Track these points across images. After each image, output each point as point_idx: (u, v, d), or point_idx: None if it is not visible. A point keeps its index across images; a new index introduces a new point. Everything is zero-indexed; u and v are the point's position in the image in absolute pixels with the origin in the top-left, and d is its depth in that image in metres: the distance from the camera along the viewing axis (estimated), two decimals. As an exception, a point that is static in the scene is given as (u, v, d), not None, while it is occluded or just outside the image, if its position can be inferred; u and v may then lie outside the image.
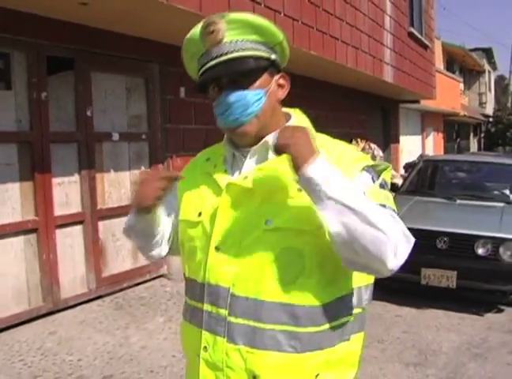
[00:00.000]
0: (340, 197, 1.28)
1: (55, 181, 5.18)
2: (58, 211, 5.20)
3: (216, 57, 1.42)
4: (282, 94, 1.52)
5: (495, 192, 7.08)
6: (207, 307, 1.49)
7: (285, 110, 1.59)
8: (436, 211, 6.55)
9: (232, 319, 1.44)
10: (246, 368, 1.43)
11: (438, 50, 20.48)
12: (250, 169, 1.50)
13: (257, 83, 1.45)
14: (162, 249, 1.74)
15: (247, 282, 1.43)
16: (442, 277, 5.42)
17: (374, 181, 1.44)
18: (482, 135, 37.31)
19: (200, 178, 1.59)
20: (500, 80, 43.17)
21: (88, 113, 5.50)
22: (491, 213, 6.09)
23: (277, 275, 1.41)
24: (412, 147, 18.57)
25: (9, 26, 4.58)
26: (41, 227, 5.01)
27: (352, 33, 8.71)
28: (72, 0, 4.36)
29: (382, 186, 1.45)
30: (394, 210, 1.43)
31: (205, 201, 1.54)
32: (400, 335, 4.85)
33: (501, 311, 5.56)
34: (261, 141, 1.50)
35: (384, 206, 1.39)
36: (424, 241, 5.50)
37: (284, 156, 1.36)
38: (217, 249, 1.46)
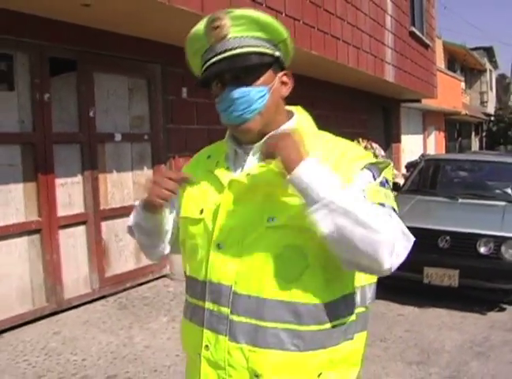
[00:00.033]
0: (330, 197, 1.28)
1: (58, 181, 5.20)
2: (62, 211, 5.23)
3: (220, 53, 1.41)
4: (285, 91, 1.52)
5: (497, 191, 7.08)
6: (208, 305, 1.48)
7: (287, 107, 1.58)
8: (438, 210, 6.56)
9: (234, 317, 1.43)
10: (249, 367, 1.42)
11: (439, 50, 20.47)
12: (253, 166, 1.49)
13: (261, 80, 1.44)
14: (165, 248, 1.74)
15: (249, 280, 1.42)
16: (444, 276, 5.42)
17: (375, 179, 1.43)
18: (483, 134, 37.30)
19: (201, 176, 1.58)
20: (501, 78, 43.10)
21: (91, 114, 5.52)
22: (492, 212, 6.09)
23: (280, 273, 1.40)
24: (413, 146, 18.58)
25: (12, 27, 4.60)
26: (44, 228, 5.03)
27: (353, 33, 8.72)
28: (74, 1, 4.39)
29: (382, 184, 1.44)
30: (394, 209, 1.42)
31: (206, 199, 1.53)
32: (402, 334, 4.86)
33: (503, 310, 5.57)
34: (264, 138, 1.49)
35: (383, 205, 1.38)
36: (426, 240, 5.52)
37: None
38: (219, 246, 1.45)
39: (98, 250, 5.60)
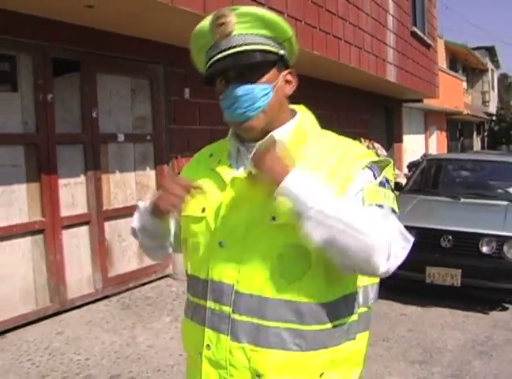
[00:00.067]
0: (319, 207, 1.28)
1: (61, 182, 5.22)
2: (65, 212, 5.24)
3: (225, 49, 1.41)
4: (289, 90, 1.52)
5: (499, 190, 7.09)
6: (210, 304, 1.47)
7: (291, 106, 1.58)
8: (440, 209, 6.56)
9: (236, 316, 1.42)
10: (250, 367, 1.42)
11: (440, 49, 20.48)
12: None
13: (265, 77, 1.44)
14: (168, 248, 1.74)
15: (252, 279, 1.41)
16: (446, 275, 5.43)
17: (375, 179, 1.43)
18: (485, 133, 37.27)
19: (204, 174, 1.57)
20: (503, 78, 43.02)
21: (94, 114, 5.53)
22: (495, 211, 6.10)
23: (282, 273, 1.39)
24: (415, 146, 18.57)
25: (15, 28, 4.62)
26: (48, 228, 5.04)
27: (354, 33, 8.73)
28: (78, 3, 4.40)
29: (382, 184, 1.44)
30: (393, 209, 1.42)
31: (208, 196, 1.51)
32: (405, 334, 4.87)
33: (505, 309, 5.57)
34: (267, 136, 1.48)
35: (381, 206, 1.38)
36: (429, 239, 5.54)
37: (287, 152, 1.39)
38: (221, 245, 1.44)
39: (101, 250, 5.61)
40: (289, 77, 1.51)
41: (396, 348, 4.55)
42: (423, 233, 5.59)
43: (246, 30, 1.42)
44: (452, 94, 20.37)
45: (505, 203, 6.36)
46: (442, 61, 21.03)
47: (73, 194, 5.37)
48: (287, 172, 1.30)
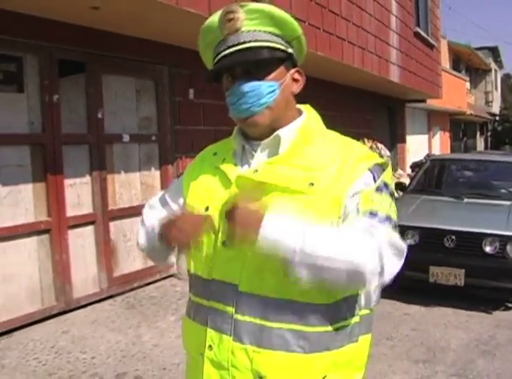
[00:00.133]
0: (300, 247, 1.27)
1: (67, 182, 5.25)
2: (70, 212, 5.28)
3: (233, 45, 1.40)
4: (297, 88, 1.51)
5: (502, 190, 7.09)
6: (213, 304, 1.46)
7: (297, 106, 1.57)
8: (443, 209, 6.57)
9: (239, 317, 1.41)
10: (252, 368, 1.41)
11: (444, 50, 20.47)
12: (261, 163, 1.48)
13: (272, 75, 1.43)
14: (173, 258, 1.68)
15: (255, 279, 1.40)
16: (450, 275, 5.44)
17: (375, 181, 1.42)
18: (489, 134, 37.21)
19: (208, 172, 1.56)
20: (506, 78, 43.01)
21: (99, 115, 5.57)
22: (498, 211, 6.11)
23: (286, 272, 1.36)
24: (418, 146, 18.56)
25: (22, 30, 4.65)
26: (54, 228, 5.08)
27: (358, 34, 8.75)
28: (84, 4, 4.43)
29: (379, 190, 1.42)
30: (388, 216, 1.40)
31: (212, 195, 1.50)
32: (408, 333, 4.89)
33: (509, 309, 5.57)
34: (273, 135, 1.48)
35: (375, 214, 1.37)
36: (432, 239, 5.57)
37: (290, 154, 1.41)
38: (225, 244, 1.42)
39: (106, 250, 5.65)
40: (297, 76, 1.51)
41: (399, 347, 4.57)
42: (427, 233, 5.63)
43: (254, 27, 1.42)
44: (455, 94, 20.36)
45: (508, 203, 6.37)
46: (445, 62, 21.03)
47: (78, 194, 5.40)
48: (260, 223, 1.28)
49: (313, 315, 1.40)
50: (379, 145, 11.28)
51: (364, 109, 12.22)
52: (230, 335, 1.42)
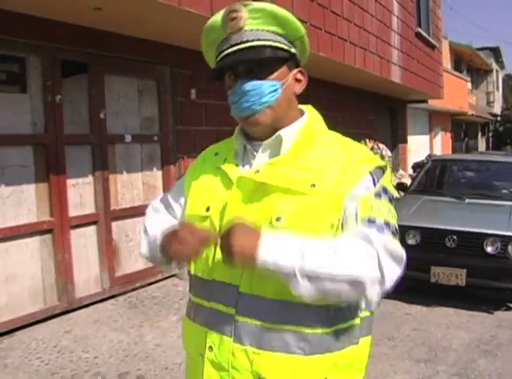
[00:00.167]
0: (298, 265, 1.28)
1: (70, 182, 5.27)
2: (73, 212, 5.29)
3: (236, 44, 1.40)
4: (299, 88, 1.51)
5: (504, 191, 7.09)
6: (213, 305, 1.46)
7: (299, 106, 1.57)
8: (445, 210, 6.58)
9: (240, 318, 1.41)
10: (252, 370, 1.40)
11: (445, 50, 20.45)
12: (262, 163, 1.47)
13: (275, 74, 1.43)
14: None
15: (256, 280, 1.39)
16: (451, 275, 5.45)
17: (374, 186, 1.41)
18: (490, 134, 37.20)
19: (209, 172, 1.56)
20: (508, 79, 42.93)
21: (102, 115, 5.59)
22: (499, 212, 6.11)
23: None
24: (420, 147, 18.57)
25: (24, 31, 4.67)
26: (56, 228, 5.09)
27: (359, 34, 8.76)
28: (86, 5, 4.45)
29: (378, 195, 1.41)
30: (387, 222, 1.39)
31: (214, 195, 1.50)
32: (410, 333, 4.90)
33: (510, 309, 5.58)
34: (274, 135, 1.47)
35: (373, 221, 1.37)
36: (433, 239, 5.58)
37: (292, 154, 1.41)
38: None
39: (108, 250, 5.66)
40: (299, 76, 1.51)
41: (401, 347, 4.58)
42: (428, 233, 5.64)
43: (257, 26, 1.41)
44: (456, 95, 20.37)
45: (509, 203, 6.37)
46: (446, 62, 21.03)
47: (81, 194, 5.42)
48: (256, 245, 1.29)
49: (313, 317, 1.40)
50: (381, 146, 11.30)
51: (366, 109, 12.24)
52: (230, 337, 1.42)
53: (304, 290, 1.29)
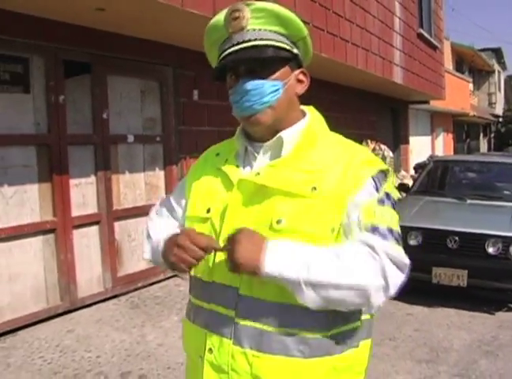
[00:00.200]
0: (303, 275, 1.29)
1: (72, 182, 5.28)
2: (76, 211, 5.31)
3: (238, 43, 1.39)
4: (301, 89, 1.50)
5: (505, 192, 7.09)
6: (213, 307, 1.45)
7: (300, 107, 1.56)
8: (447, 211, 6.58)
9: (240, 320, 1.40)
10: (252, 372, 1.39)
11: (447, 51, 20.47)
12: (263, 165, 1.46)
13: (276, 74, 1.42)
14: None
15: (255, 282, 1.38)
16: (453, 276, 5.46)
17: (377, 191, 1.41)
18: (492, 135, 37.19)
19: (210, 173, 1.55)
20: (510, 79, 42.87)
21: (104, 116, 5.60)
22: (501, 213, 6.12)
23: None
24: (421, 147, 18.57)
25: (28, 31, 4.69)
26: (59, 228, 5.11)
27: (361, 35, 8.78)
28: (89, 6, 4.47)
29: (381, 201, 1.40)
30: (390, 229, 1.39)
31: (214, 197, 1.49)
32: (411, 333, 4.91)
33: (511, 309, 5.60)
34: (275, 137, 1.46)
35: (376, 228, 1.37)
36: (435, 240, 5.59)
37: (293, 156, 1.41)
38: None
39: (111, 250, 5.68)
40: (301, 77, 1.50)
41: (403, 347, 4.59)
42: (430, 234, 5.65)
43: (259, 25, 1.41)
44: (458, 95, 20.36)
45: (511, 204, 6.38)
46: (448, 63, 21.02)
47: (83, 194, 5.44)
48: (261, 254, 1.30)
49: (313, 320, 1.39)
50: (383, 146, 11.31)
51: (368, 110, 12.25)
52: (230, 339, 1.41)
53: (309, 298, 1.31)
